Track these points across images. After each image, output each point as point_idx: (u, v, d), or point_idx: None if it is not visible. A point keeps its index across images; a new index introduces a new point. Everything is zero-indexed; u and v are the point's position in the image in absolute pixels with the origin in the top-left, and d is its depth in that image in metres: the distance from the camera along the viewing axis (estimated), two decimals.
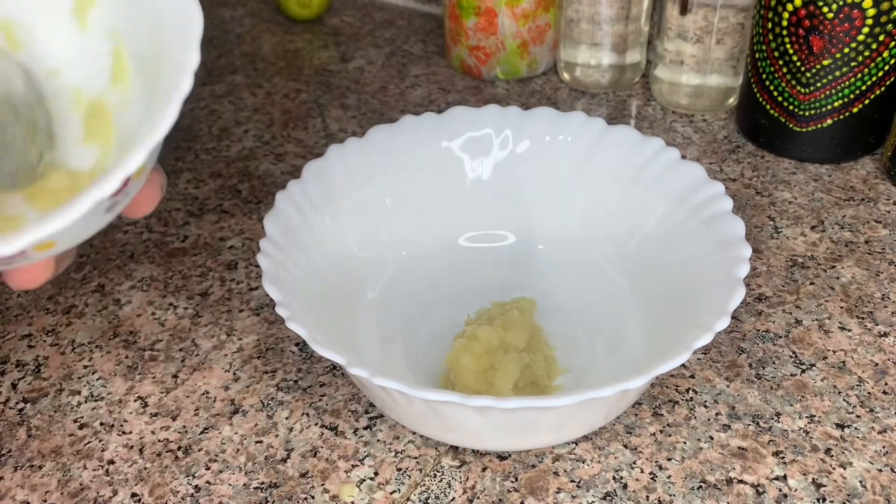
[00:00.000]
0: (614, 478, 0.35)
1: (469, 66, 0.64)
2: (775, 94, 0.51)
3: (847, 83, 0.48)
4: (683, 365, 0.39)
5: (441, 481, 0.35)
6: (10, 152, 0.33)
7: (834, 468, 0.35)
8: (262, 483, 0.35)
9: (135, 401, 0.39)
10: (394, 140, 0.43)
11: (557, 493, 0.34)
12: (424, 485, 0.35)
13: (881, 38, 0.46)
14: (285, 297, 0.34)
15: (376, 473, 0.35)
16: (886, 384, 0.38)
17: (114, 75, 0.35)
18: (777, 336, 0.41)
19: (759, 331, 0.41)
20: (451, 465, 0.35)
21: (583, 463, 0.35)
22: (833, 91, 0.49)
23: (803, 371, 0.39)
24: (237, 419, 0.38)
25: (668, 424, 0.37)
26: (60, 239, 0.27)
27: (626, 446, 0.36)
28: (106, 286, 0.45)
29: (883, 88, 0.49)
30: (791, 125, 0.52)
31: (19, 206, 0.34)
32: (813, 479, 0.34)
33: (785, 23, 0.48)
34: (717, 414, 0.37)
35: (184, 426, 0.37)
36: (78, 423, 0.38)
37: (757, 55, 0.51)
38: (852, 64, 0.48)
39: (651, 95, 0.60)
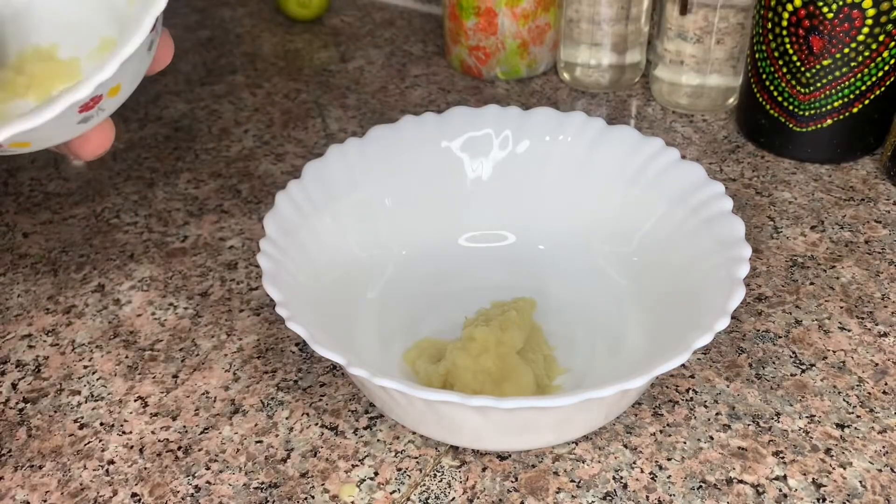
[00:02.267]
0: (614, 478, 0.35)
1: (469, 66, 0.64)
2: (775, 94, 0.51)
3: (847, 83, 0.48)
4: (683, 365, 0.39)
5: (441, 481, 0.35)
6: None
7: (834, 468, 0.35)
8: (263, 483, 0.35)
9: (135, 401, 0.39)
10: (394, 140, 0.43)
11: (557, 493, 0.34)
12: (424, 485, 0.35)
13: (881, 38, 0.46)
14: (285, 297, 0.34)
15: (376, 473, 0.35)
16: (886, 384, 0.38)
17: None
18: (777, 336, 0.41)
19: (758, 331, 0.41)
20: (451, 465, 0.35)
21: (583, 463, 0.35)
22: (833, 91, 0.49)
23: (803, 371, 0.39)
24: (237, 419, 0.38)
25: (668, 424, 0.37)
26: (33, 139, 0.31)
27: (626, 446, 0.36)
28: (106, 286, 0.45)
29: (883, 88, 0.49)
30: (791, 125, 0.52)
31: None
32: (813, 479, 0.34)
33: (785, 23, 0.48)
34: (717, 414, 0.37)
35: (184, 426, 0.37)
36: (78, 423, 0.38)
37: (757, 55, 0.51)
38: (852, 64, 0.48)
39: (651, 95, 0.60)
